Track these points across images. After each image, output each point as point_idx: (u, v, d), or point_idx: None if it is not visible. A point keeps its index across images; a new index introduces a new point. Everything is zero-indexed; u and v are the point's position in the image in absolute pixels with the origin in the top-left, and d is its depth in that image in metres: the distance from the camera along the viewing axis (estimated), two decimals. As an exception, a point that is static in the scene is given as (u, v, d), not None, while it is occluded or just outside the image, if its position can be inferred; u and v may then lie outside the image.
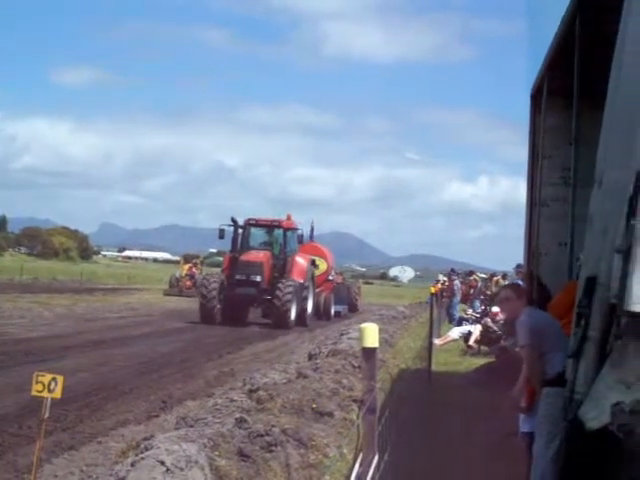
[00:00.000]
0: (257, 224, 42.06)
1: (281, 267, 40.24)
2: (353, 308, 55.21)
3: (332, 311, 47.76)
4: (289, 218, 42.89)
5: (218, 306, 37.73)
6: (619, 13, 5.83)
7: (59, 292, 51.84)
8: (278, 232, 41.85)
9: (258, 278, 38.65)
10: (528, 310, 9.08)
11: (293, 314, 38.11)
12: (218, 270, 44.74)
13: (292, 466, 9.84)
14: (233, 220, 40.73)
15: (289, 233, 41.92)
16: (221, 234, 40.68)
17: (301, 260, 41.49)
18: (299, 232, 43.38)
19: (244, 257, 39.39)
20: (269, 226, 42.27)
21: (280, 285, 38.02)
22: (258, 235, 42.37)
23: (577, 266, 10.23)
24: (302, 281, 40.04)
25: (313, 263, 43.61)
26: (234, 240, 40.97)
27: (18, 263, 57.39)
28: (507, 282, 32.53)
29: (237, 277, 38.75)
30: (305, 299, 40.38)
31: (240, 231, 41.16)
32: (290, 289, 37.85)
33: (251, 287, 38.58)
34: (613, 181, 5.67)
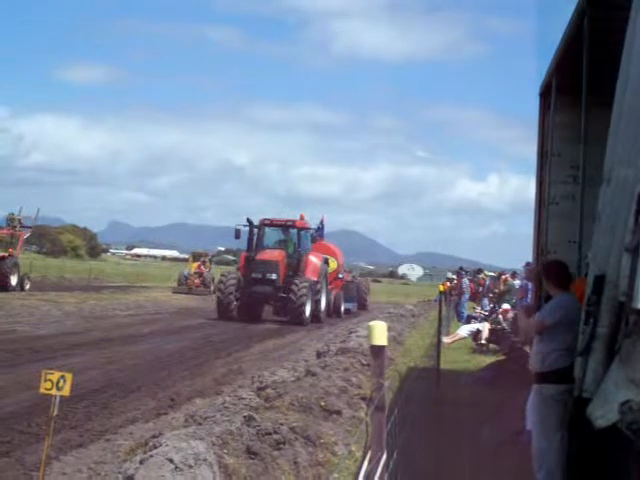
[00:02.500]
0: (272, 224, 42.91)
1: (295, 266, 41.09)
2: (363, 306, 55.50)
3: (342, 309, 48.25)
4: (302, 218, 43.82)
5: (235, 303, 38.80)
6: (628, 11, 5.82)
7: (68, 290, 51.86)
8: (292, 232, 42.69)
9: (274, 276, 39.51)
10: (568, 296, 8.97)
11: (308, 311, 39.08)
12: (227, 268, 45.08)
13: (300, 464, 9.84)
14: (249, 220, 41.54)
15: (303, 233, 42.81)
16: (237, 234, 41.64)
17: (315, 259, 42.40)
18: (311, 231, 44.58)
19: (260, 256, 40.29)
20: (283, 226, 43.07)
21: (295, 283, 38.90)
22: (273, 235, 43.21)
23: (585, 264, 10.22)
24: (316, 279, 40.86)
25: (326, 262, 44.35)
26: (250, 240, 41.81)
27: (27, 261, 57.30)
28: (516, 281, 32.51)
29: (253, 275, 39.58)
30: (319, 297, 41.16)
31: (255, 231, 41.96)
32: (305, 287, 38.79)
33: (267, 285, 39.47)
34: (622, 179, 5.66)
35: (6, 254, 46.46)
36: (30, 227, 53.08)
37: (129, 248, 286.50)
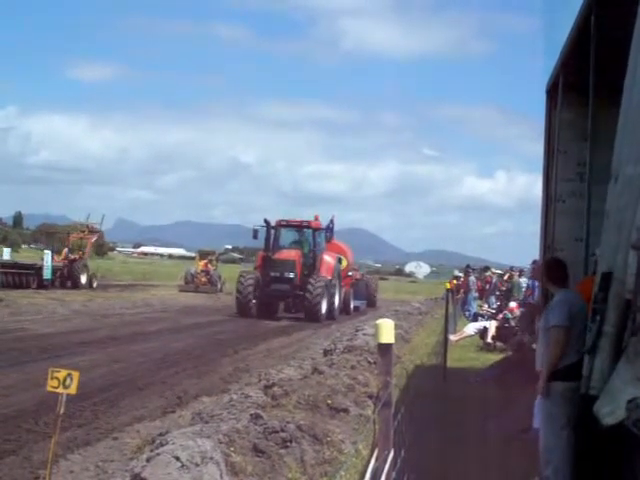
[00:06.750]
0: (288, 225, 44.40)
1: (310, 265, 42.40)
2: (371, 303, 55.76)
3: (351, 306, 49.00)
4: (317, 219, 45.16)
5: (253, 301, 40.07)
6: (635, 7, 5.81)
7: (70, 288, 52.02)
8: (307, 232, 44.09)
9: (291, 275, 40.89)
10: (566, 291, 8.93)
11: (324, 309, 40.24)
12: (233, 266, 45.79)
13: (307, 462, 9.85)
14: (266, 221, 42.90)
15: (317, 233, 44.06)
16: (255, 234, 42.78)
17: (329, 258, 43.61)
18: (325, 232, 45.47)
19: (277, 255, 41.74)
20: (299, 226, 44.55)
21: (311, 282, 40.07)
22: (288, 235, 44.50)
23: (592, 262, 10.19)
24: (330, 278, 41.85)
25: (339, 261, 45.39)
26: (267, 240, 42.99)
27: (35, 260, 57.62)
28: (522, 278, 32.48)
29: (272, 274, 40.99)
30: (333, 295, 42.09)
31: (272, 231, 43.21)
32: (321, 285, 39.98)
33: (285, 283, 40.90)
34: (629, 177, 5.65)
35: (77, 256, 55.28)
36: (98, 231, 61.74)
37: (136, 246, 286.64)
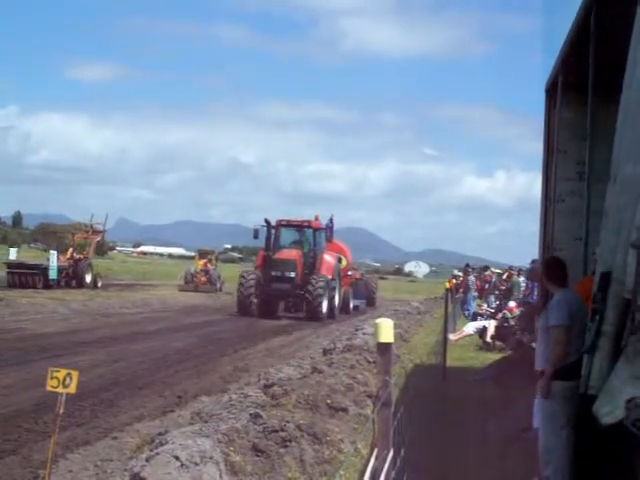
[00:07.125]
0: (288, 224, 44.67)
1: (311, 264, 42.61)
2: (371, 303, 55.83)
3: (351, 305, 49.15)
4: (317, 219, 45.39)
5: (255, 300, 40.24)
6: (635, 7, 5.80)
7: (75, 288, 52.04)
8: (308, 232, 44.28)
9: (292, 274, 41.12)
10: (564, 291, 8.92)
11: (324, 308, 40.56)
12: (233, 266, 46.04)
13: (307, 461, 9.84)
14: (267, 221, 43.24)
15: (318, 233, 44.30)
16: (255, 234, 43.05)
17: (329, 257, 43.94)
18: (325, 231, 45.77)
19: (278, 255, 42.03)
20: (299, 226, 44.77)
21: (312, 281, 40.39)
22: (289, 235, 44.73)
23: (592, 261, 10.18)
24: (330, 277, 42.17)
25: (339, 260, 45.71)
26: (267, 239, 43.32)
27: (37, 259, 57.75)
28: (521, 278, 32.46)
29: (273, 273, 41.21)
30: (333, 294, 42.44)
31: (272, 231, 43.52)
32: (321, 285, 40.31)
33: (286, 283, 41.11)
34: (627, 176, 5.64)
35: (82, 256, 55.62)
36: (101, 231, 61.99)
37: (136, 246, 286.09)
